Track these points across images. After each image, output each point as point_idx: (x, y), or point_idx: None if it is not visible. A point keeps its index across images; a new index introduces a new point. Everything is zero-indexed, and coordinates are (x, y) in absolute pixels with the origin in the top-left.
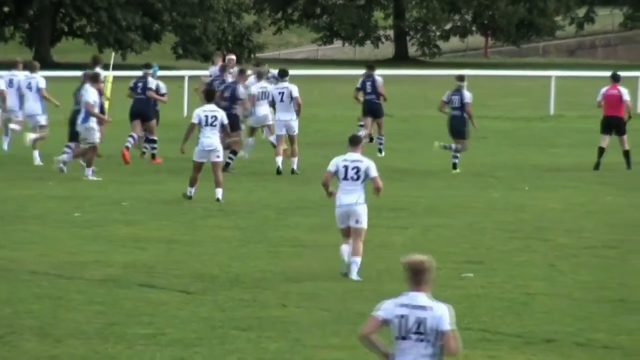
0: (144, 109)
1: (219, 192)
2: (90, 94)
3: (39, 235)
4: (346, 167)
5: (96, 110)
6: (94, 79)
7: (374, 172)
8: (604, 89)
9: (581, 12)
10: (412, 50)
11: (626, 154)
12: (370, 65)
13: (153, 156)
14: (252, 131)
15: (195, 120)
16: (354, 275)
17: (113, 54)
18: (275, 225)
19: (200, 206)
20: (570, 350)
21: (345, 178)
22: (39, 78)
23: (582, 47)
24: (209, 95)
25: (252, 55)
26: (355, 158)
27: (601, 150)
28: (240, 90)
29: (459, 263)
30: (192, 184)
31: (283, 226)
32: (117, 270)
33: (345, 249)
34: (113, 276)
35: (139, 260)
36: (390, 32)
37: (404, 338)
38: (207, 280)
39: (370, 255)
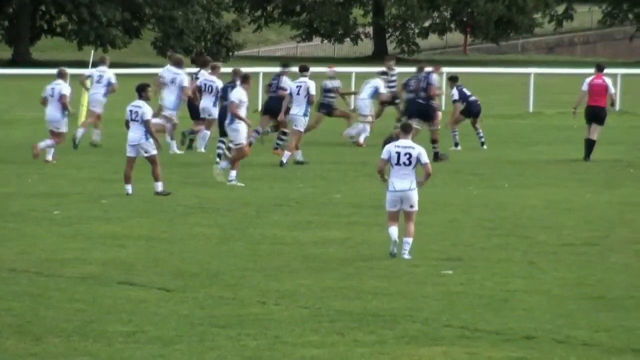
0: (277, 106)
1: (158, 186)
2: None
3: (19, 232)
4: (398, 153)
5: (240, 111)
6: (245, 79)
7: (425, 159)
8: (589, 79)
9: (560, 9)
10: (391, 47)
11: (591, 143)
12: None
13: (276, 147)
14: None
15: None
16: (406, 255)
17: (93, 51)
18: (255, 222)
19: (180, 204)
20: (549, 347)
21: (398, 163)
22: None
23: (561, 44)
24: (138, 90)
25: (231, 54)
26: (407, 144)
27: (588, 142)
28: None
29: (438, 260)
30: (125, 181)
31: (263, 224)
32: (97, 267)
33: (394, 230)
34: (92, 274)
35: (118, 258)
36: (370, 30)
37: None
38: (186, 278)
39: (350, 253)
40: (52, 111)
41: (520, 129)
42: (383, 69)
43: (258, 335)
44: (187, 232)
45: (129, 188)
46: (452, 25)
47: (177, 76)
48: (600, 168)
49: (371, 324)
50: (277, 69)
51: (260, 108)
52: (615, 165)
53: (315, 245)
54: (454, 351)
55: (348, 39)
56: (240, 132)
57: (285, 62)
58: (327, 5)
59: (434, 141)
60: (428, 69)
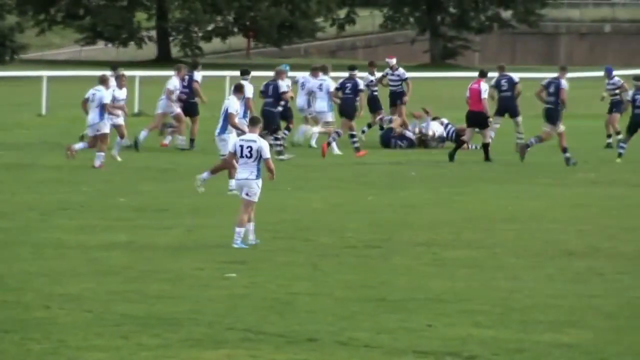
0: (352, 106)
1: None
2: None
3: None
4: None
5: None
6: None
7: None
8: (470, 85)
9: (342, 13)
10: (175, 51)
11: (486, 147)
12: (501, 66)
13: (357, 149)
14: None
15: None
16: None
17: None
18: (39, 227)
19: None
20: (332, 349)
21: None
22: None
23: (343, 47)
24: None
25: (15, 56)
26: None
27: (460, 143)
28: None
29: (222, 263)
30: None
31: (47, 228)
32: None
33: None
34: None
35: None
36: (153, 33)
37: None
38: None
39: (134, 256)
40: (91, 115)
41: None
42: (369, 75)
43: (42, 339)
44: None
45: None
46: (236, 29)
47: None
48: (382, 171)
49: (155, 327)
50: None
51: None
52: (396, 167)
53: (99, 249)
54: (237, 354)
55: (132, 43)
56: (228, 143)
57: (352, 65)
58: (110, 8)
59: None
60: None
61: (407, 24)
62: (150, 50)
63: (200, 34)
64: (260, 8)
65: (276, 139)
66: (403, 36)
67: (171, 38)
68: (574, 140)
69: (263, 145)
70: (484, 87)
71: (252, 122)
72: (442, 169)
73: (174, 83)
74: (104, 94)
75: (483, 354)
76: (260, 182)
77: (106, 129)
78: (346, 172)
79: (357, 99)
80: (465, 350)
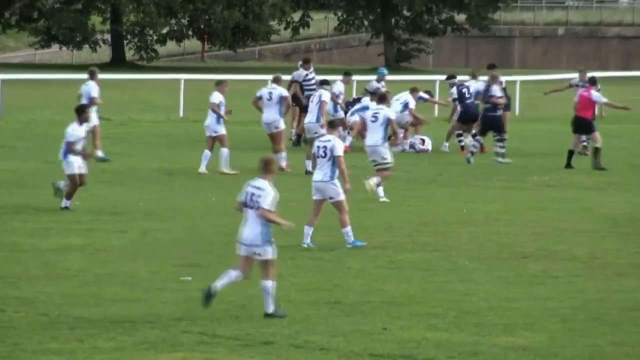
0: (476, 112)
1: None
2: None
3: None
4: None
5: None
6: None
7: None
8: (580, 91)
9: (296, 16)
10: (130, 54)
11: (597, 151)
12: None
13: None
14: None
15: None
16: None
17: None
18: None
19: None
20: (287, 352)
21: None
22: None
23: (298, 51)
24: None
25: None
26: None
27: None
28: None
29: (177, 266)
30: None
31: (1, 231)
32: None
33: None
34: None
35: None
36: (108, 36)
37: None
38: None
39: (89, 259)
40: (269, 113)
41: (261, 135)
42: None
43: None
44: None
45: None
46: (190, 32)
47: None
48: None
49: (111, 330)
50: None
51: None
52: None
53: (54, 252)
54: (192, 357)
55: (86, 46)
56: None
57: (452, 74)
58: (65, 12)
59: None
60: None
61: (362, 27)
62: (104, 53)
63: (154, 37)
64: (214, 11)
65: (501, 140)
66: (357, 39)
67: (126, 41)
68: (530, 142)
69: (336, 143)
70: (595, 95)
71: (331, 125)
72: (395, 172)
73: (219, 98)
74: (282, 90)
75: (438, 357)
76: (336, 181)
77: (282, 125)
78: (304, 176)
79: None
80: (420, 353)
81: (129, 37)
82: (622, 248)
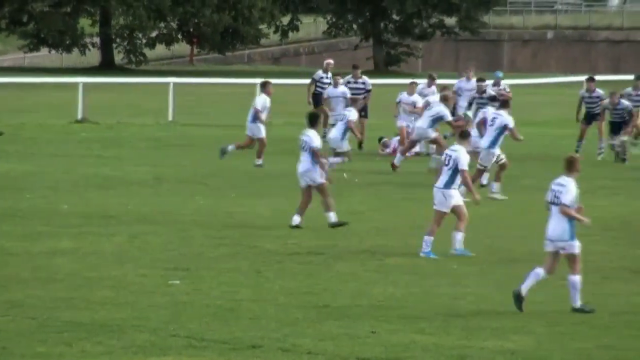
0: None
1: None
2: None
3: None
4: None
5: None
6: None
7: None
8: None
9: (286, 20)
10: (119, 57)
11: None
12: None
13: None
14: None
15: None
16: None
17: None
18: None
19: None
20: (275, 356)
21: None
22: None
23: (287, 54)
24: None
25: None
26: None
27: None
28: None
29: (166, 270)
30: None
31: None
32: None
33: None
34: None
35: None
36: (97, 40)
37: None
38: None
39: (79, 263)
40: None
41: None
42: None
43: None
44: None
45: None
46: (179, 36)
47: None
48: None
49: (99, 334)
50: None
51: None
52: (339, 174)
53: (44, 255)
54: None
55: (76, 49)
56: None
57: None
58: (54, 15)
59: None
60: None
61: (351, 30)
62: (93, 56)
63: (144, 41)
64: (204, 14)
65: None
66: (346, 43)
67: (115, 45)
68: (521, 146)
69: (461, 155)
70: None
71: (461, 136)
72: (385, 176)
73: (262, 102)
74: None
75: None
76: (449, 191)
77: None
78: (290, 180)
79: None
80: (408, 357)
81: (118, 40)
82: (611, 251)
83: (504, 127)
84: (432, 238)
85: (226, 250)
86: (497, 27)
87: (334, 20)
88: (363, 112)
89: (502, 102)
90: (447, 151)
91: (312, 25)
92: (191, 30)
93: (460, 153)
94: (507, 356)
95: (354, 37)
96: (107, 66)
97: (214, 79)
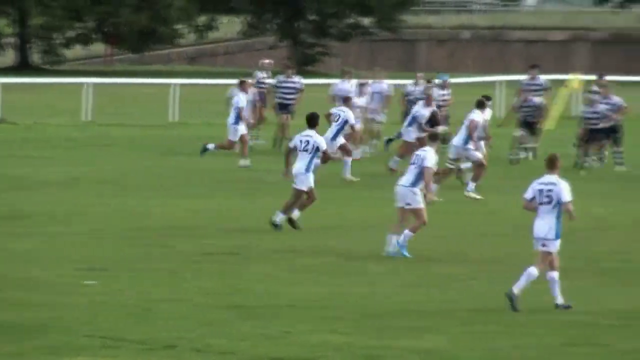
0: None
1: None
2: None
3: None
4: (541, 191)
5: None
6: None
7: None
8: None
9: (202, 20)
10: (36, 57)
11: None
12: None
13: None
14: None
15: None
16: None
17: None
18: None
19: None
20: (190, 356)
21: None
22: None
23: (204, 54)
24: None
25: None
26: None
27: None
28: None
29: (81, 270)
30: None
31: None
32: None
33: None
34: None
35: None
36: (13, 40)
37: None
38: None
39: None
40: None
41: (164, 139)
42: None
43: None
44: None
45: None
46: (97, 36)
47: None
48: (240, 177)
49: (11, 334)
50: None
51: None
52: (255, 174)
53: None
54: None
55: None
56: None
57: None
58: None
59: None
60: None
61: (268, 31)
62: (9, 57)
63: (61, 41)
64: (121, 14)
65: None
66: (263, 43)
67: (31, 45)
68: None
69: (428, 155)
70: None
71: (431, 138)
72: None
73: (242, 100)
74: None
75: None
76: (415, 189)
77: None
78: (207, 180)
79: None
80: (322, 357)
81: (34, 40)
82: (523, 251)
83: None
84: (409, 235)
85: (142, 251)
86: (414, 27)
87: (251, 20)
88: (289, 111)
89: (478, 103)
90: (417, 152)
91: (229, 25)
92: (109, 30)
93: (428, 153)
94: (420, 355)
95: (272, 37)
96: (23, 66)
97: (131, 79)
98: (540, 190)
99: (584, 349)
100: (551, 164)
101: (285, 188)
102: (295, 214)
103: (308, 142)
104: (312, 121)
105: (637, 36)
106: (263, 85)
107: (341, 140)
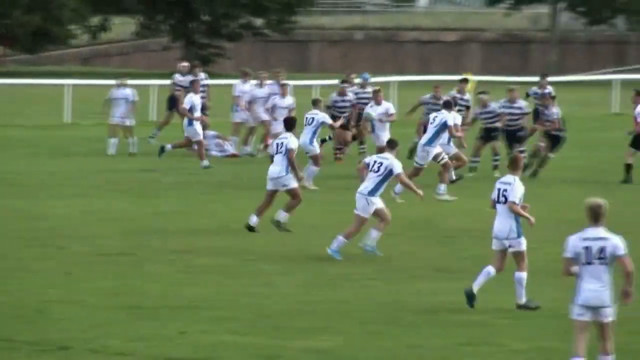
0: None
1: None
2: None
3: None
4: (499, 190)
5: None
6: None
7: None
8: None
9: (96, 20)
10: None
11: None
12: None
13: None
14: None
15: None
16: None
17: None
18: None
19: None
20: (84, 357)
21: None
22: None
23: (97, 55)
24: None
25: None
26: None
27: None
28: None
29: None
30: None
31: None
32: None
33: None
34: None
35: None
36: None
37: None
38: None
39: None
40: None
41: (57, 140)
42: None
43: None
44: None
45: None
46: None
47: None
48: (133, 178)
49: None
50: None
51: None
52: (148, 174)
53: None
54: None
55: None
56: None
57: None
58: None
59: None
60: None
61: (162, 31)
62: None
63: None
64: (14, 15)
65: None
66: (157, 44)
67: None
68: (328, 148)
69: (393, 162)
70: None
71: (389, 145)
72: (193, 176)
73: (189, 101)
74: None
75: None
76: (373, 198)
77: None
78: (99, 180)
79: None
80: (218, 357)
81: None
82: (416, 251)
83: (444, 125)
84: (345, 240)
85: (35, 252)
86: (306, 27)
87: (144, 21)
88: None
89: (445, 103)
90: (375, 158)
91: (123, 26)
92: (1, 31)
93: (392, 160)
94: (316, 355)
95: (164, 38)
96: None
97: (25, 79)
98: (499, 190)
99: (480, 349)
100: (512, 164)
101: (179, 188)
102: (283, 215)
103: (282, 144)
104: (288, 124)
105: (527, 37)
106: (179, 88)
107: (317, 145)
